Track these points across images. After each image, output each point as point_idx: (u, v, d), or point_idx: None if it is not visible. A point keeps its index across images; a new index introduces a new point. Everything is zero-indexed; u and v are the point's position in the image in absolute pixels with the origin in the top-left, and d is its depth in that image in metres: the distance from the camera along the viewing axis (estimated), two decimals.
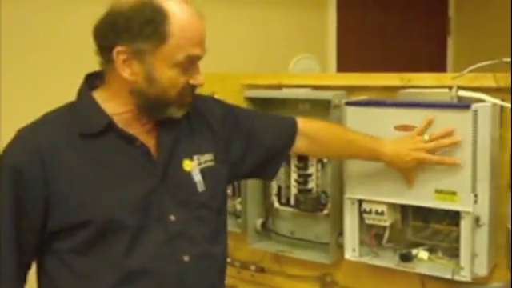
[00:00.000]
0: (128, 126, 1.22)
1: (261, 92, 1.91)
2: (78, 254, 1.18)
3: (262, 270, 2.02)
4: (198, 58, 1.21)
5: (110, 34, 1.16)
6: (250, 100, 1.90)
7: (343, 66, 3.21)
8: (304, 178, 1.86)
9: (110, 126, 1.19)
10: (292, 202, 1.88)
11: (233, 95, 1.98)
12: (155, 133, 1.26)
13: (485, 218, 1.50)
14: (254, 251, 1.98)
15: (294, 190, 1.88)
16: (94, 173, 1.17)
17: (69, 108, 1.24)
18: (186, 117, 1.29)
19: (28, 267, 1.23)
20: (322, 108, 1.76)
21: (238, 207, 2.00)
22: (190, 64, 1.20)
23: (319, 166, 1.84)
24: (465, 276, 1.50)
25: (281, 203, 1.92)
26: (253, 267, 2.02)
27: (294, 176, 1.88)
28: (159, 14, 1.14)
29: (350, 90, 1.77)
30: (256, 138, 1.45)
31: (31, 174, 1.14)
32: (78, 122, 1.20)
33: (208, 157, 1.33)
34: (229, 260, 2.04)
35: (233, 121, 1.43)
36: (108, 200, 1.17)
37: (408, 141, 1.51)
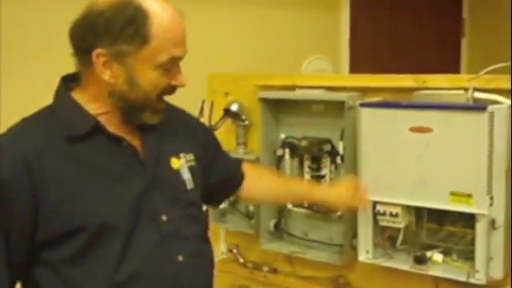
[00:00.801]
0: (110, 127, 1.18)
1: (275, 93, 1.91)
2: (70, 263, 1.13)
3: (274, 271, 2.01)
4: (180, 58, 1.18)
5: (89, 35, 1.11)
6: (264, 101, 1.89)
7: (356, 67, 3.21)
8: (317, 179, 1.85)
9: (96, 127, 1.16)
10: (305, 203, 1.88)
11: (247, 96, 1.99)
12: (138, 133, 1.23)
13: (500, 221, 1.48)
14: (266, 252, 1.98)
15: None
16: (83, 177, 1.13)
17: (48, 112, 1.19)
18: (167, 118, 1.26)
19: (15, 282, 1.17)
20: (335, 109, 1.76)
21: (251, 208, 1.99)
22: (171, 65, 1.16)
23: (333, 167, 1.84)
24: (480, 279, 1.49)
25: (294, 204, 1.92)
26: (265, 268, 2.02)
27: (307, 177, 1.87)
28: (140, 15, 1.10)
29: (364, 91, 1.77)
30: (219, 159, 1.49)
31: (18, 185, 1.08)
32: (62, 125, 1.15)
33: (191, 156, 1.32)
34: (241, 261, 2.05)
35: (207, 136, 1.48)
36: (99, 204, 1.14)
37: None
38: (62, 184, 1.11)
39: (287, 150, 1.89)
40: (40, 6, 2.04)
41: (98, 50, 1.11)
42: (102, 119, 1.17)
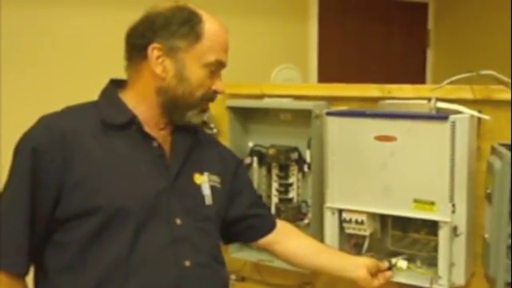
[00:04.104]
0: (146, 127, 1.25)
1: (243, 101, 1.92)
2: (79, 248, 1.16)
3: (242, 279, 2.02)
4: (224, 65, 1.29)
5: (148, 32, 1.22)
6: (232, 109, 1.90)
7: (324, 76, 3.25)
8: (285, 188, 1.87)
9: (132, 122, 1.23)
10: (273, 211, 1.89)
11: (215, 104, 1.96)
12: (170, 140, 1.29)
13: (462, 228, 1.52)
14: (234, 260, 1.98)
15: (274, 199, 1.89)
16: (109, 162, 1.20)
17: (92, 104, 1.28)
18: (199, 137, 1.35)
19: (34, 252, 1.19)
20: (303, 118, 1.78)
21: None
22: (216, 68, 1.27)
23: (300, 175, 1.85)
24: (443, 285, 1.52)
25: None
26: (233, 276, 2.02)
27: (274, 185, 1.89)
28: (195, 16, 1.24)
29: (331, 100, 1.79)
30: (246, 193, 1.47)
31: (50, 157, 1.15)
32: (101, 114, 1.23)
33: (216, 178, 1.35)
34: None
35: (238, 168, 1.47)
36: (119, 190, 1.18)
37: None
38: (89, 163, 1.18)
39: (255, 159, 1.91)
40: (40, 8, 2.04)
41: (154, 44, 1.21)
42: (140, 118, 1.24)
